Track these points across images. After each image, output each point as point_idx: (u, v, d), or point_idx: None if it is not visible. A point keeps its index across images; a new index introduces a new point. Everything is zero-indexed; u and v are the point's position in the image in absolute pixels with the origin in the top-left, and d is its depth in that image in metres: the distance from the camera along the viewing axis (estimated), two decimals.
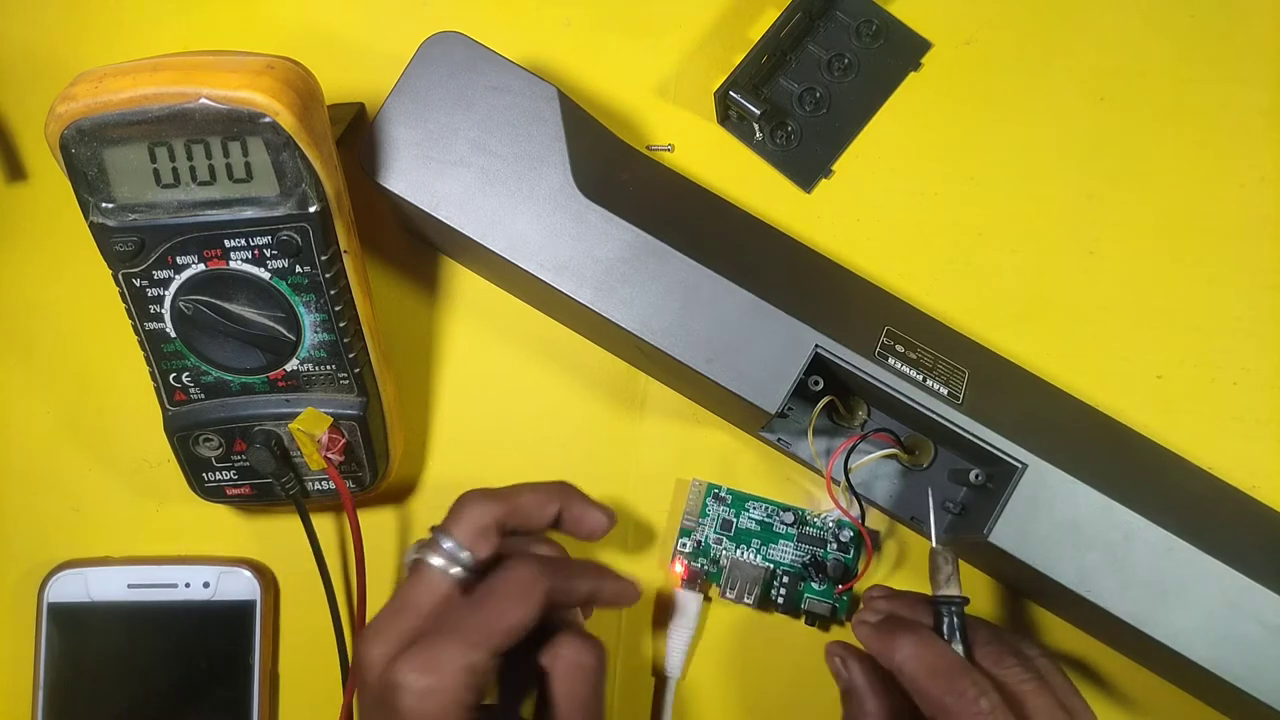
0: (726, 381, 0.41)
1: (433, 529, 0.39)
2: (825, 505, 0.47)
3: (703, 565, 0.47)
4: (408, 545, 0.49)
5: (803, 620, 0.47)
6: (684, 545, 0.47)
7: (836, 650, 0.42)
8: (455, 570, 0.38)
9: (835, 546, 0.46)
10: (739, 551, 0.47)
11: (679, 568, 0.47)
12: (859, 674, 0.41)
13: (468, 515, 0.39)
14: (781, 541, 0.47)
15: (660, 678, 0.47)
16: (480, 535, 0.38)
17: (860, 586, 0.47)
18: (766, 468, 0.48)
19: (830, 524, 0.46)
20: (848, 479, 0.44)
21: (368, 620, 0.47)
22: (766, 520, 0.47)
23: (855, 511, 0.45)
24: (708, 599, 0.47)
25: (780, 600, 0.46)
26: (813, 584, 0.46)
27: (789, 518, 0.47)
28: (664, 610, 0.47)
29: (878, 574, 0.47)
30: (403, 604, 0.38)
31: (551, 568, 0.38)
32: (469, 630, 0.35)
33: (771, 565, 0.46)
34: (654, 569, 0.48)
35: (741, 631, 0.47)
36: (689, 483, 0.47)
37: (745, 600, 0.46)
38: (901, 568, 0.47)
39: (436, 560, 0.38)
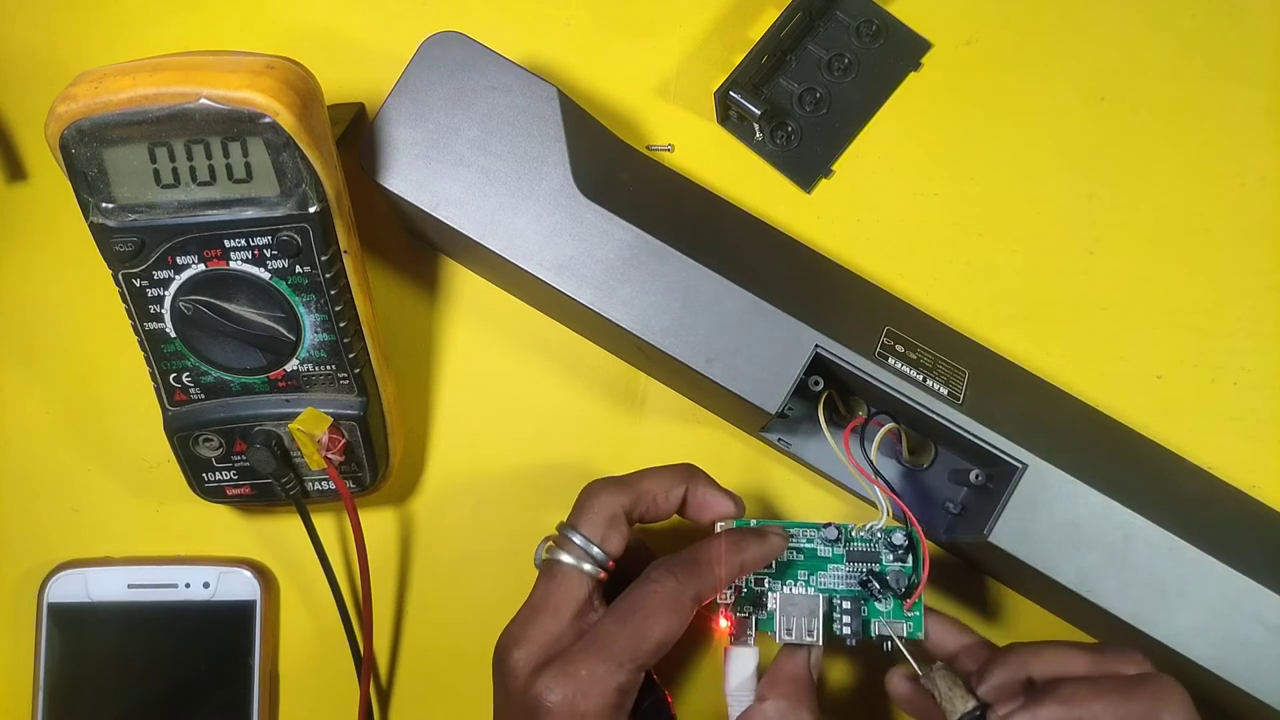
0: (726, 381, 0.41)
1: (560, 526, 0.39)
2: (833, 500, 0.45)
3: (750, 612, 0.40)
4: (409, 545, 0.49)
5: (877, 646, 0.40)
6: (725, 595, 0.40)
7: None
8: (589, 568, 0.37)
9: (890, 557, 0.40)
10: (786, 587, 0.40)
11: (724, 622, 0.40)
12: None
13: (594, 508, 0.38)
14: (830, 566, 0.40)
15: None
16: (610, 528, 0.38)
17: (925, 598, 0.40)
18: (767, 467, 0.48)
19: (877, 532, 0.40)
20: (871, 464, 0.42)
21: (374, 618, 0.47)
22: (808, 545, 0.41)
23: (885, 501, 0.41)
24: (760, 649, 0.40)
25: (847, 631, 0.40)
26: (877, 604, 0.40)
27: (833, 534, 0.40)
28: (717, 668, 0.42)
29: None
30: (541, 606, 0.37)
31: (691, 570, 0.37)
32: (618, 648, 0.35)
33: (826, 594, 0.40)
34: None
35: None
36: (714, 527, 0.41)
37: (807, 639, 0.39)
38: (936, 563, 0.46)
39: (570, 559, 0.37)
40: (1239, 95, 0.49)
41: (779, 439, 0.46)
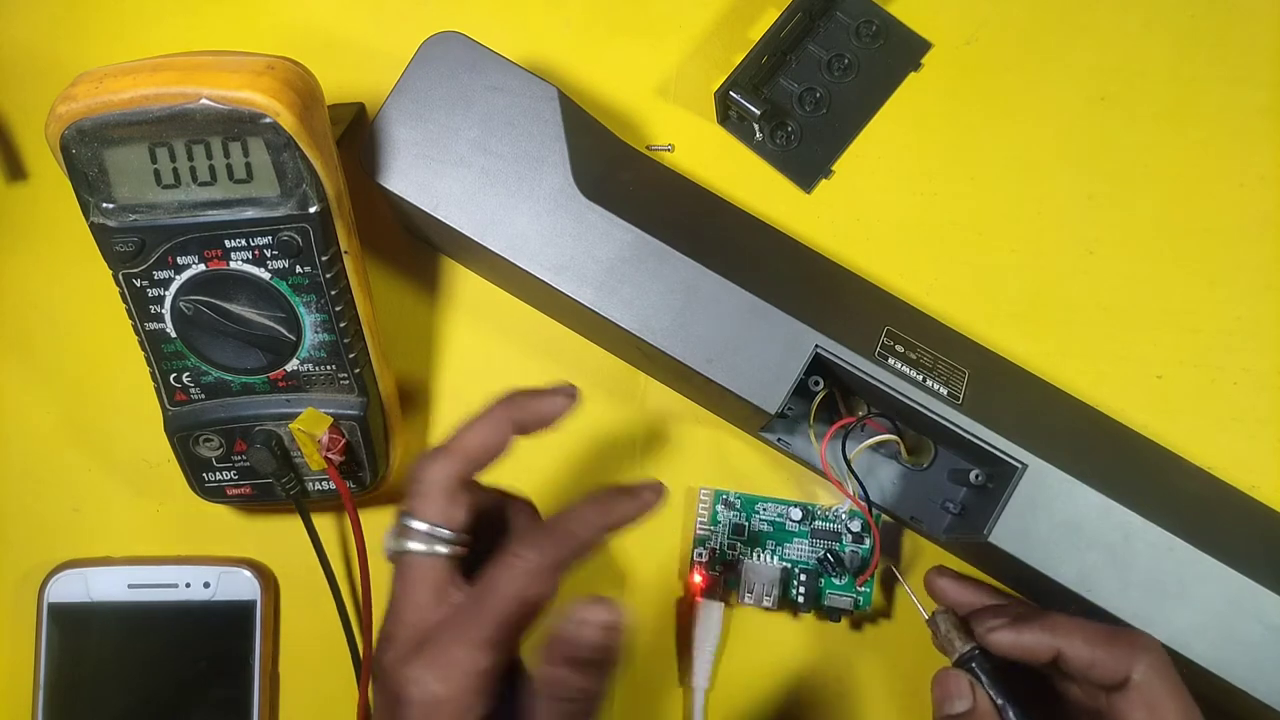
0: (726, 381, 0.41)
1: (400, 513, 0.36)
2: (827, 499, 0.47)
3: (720, 573, 0.46)
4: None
5: (821, 617, 0.46)
6: (700, 555, 0.46)
7: (955, 677, 0.38)
8: (441, 549, 0.35)
9: (849, 538, 0.46)
10: (754, 555, 0.46)
11: (698, 578, 0.46)
12: (986, 700, 0.37)
13: (426, 486, 0.35)
14: (795, 540, 0.46)
15: (689, 691, 0.47)
16: (449, 503, 0.35)
17: (879, 575, 0.46)
18: (767, 468, 0.48)
19: (842, 516, 0.46)
20: (847, 463, 0.44)
21: (374, 618, 0.47)
22: (778, 520, 0.46)
23: (852, 489, 0.44)
24: (729, 605, 0.47)
25: (801, 599, 0.45)
26: (832, 579, 0.45)
27: (798, 514, 0.46)
28: (685, 621, 0.47)
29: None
30: (400, 600, 0.35)
31: (551, 538, 0.34)
32: (474, 630, 0.33)
33: (788, 565, 0.46)
34: (665, 577, 0.48)
35: (765, 635, 0.47)
36: (697, 491, 0.47)
37: (765, 603, 0.45)
38: (908, 550, 0.47)
39: (418, 545, 0.35)
40: (1239, 95, 0.49)
41: (779, 439, 0.46)
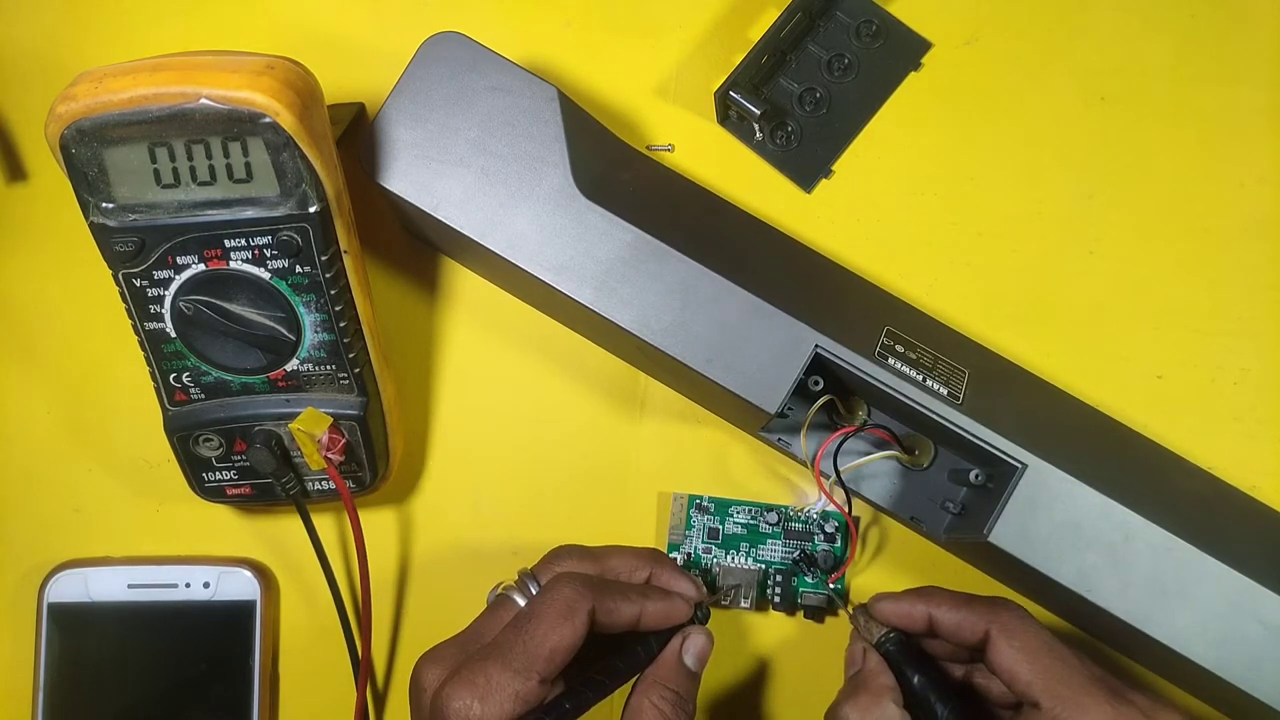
0: (726, 382, 0.41)
1: (522, 571, 0.40)
2: (811, 500, 0.47)
3: (696, 576, 0.46)
4: (409, 545, 0.49)
5: (794, 613, 0.47)
6: (674, 559, 0.46)
7: (852, 647, 0.41)
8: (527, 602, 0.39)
9: (822, 538, 0.47)
10: (729, 557, 0.47)
11: None
12: (875, 662, 0.40)
13: (558, 567, 0.40)
14: (769, 541, 0.47)
15: None
16: (574, 592, 0.38)
17: (849, 574, 0.47)
18: (767, 468, 0.48)
19: (814, 516, 0.47)
20: (837, 472, 0.44)
21: (373, 618, 0.47)
22: (751, 522, 0.47)
23: (841, 499, 0.45)
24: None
25: (776, 599, 0.46)
26: (805, 578, 0.46)
27: (773, 517, 0.47)
28: None
29: (863, 560, 0.47)
30: (470, 631, 0.39)
31: (595, 587, 0.38)
32: (514, 655, 0.36)
33: (763, 566, 0.47)
34: None
35: (743, 635, 0.48)
36: (670, 496, 0.48)
37: (742, 604, 0.46)
38: (884, 552, 0.47)
39: (518, 596, 0.39)
40: (1239, 95, 0.49)
41: (779, 439, 0.46)
